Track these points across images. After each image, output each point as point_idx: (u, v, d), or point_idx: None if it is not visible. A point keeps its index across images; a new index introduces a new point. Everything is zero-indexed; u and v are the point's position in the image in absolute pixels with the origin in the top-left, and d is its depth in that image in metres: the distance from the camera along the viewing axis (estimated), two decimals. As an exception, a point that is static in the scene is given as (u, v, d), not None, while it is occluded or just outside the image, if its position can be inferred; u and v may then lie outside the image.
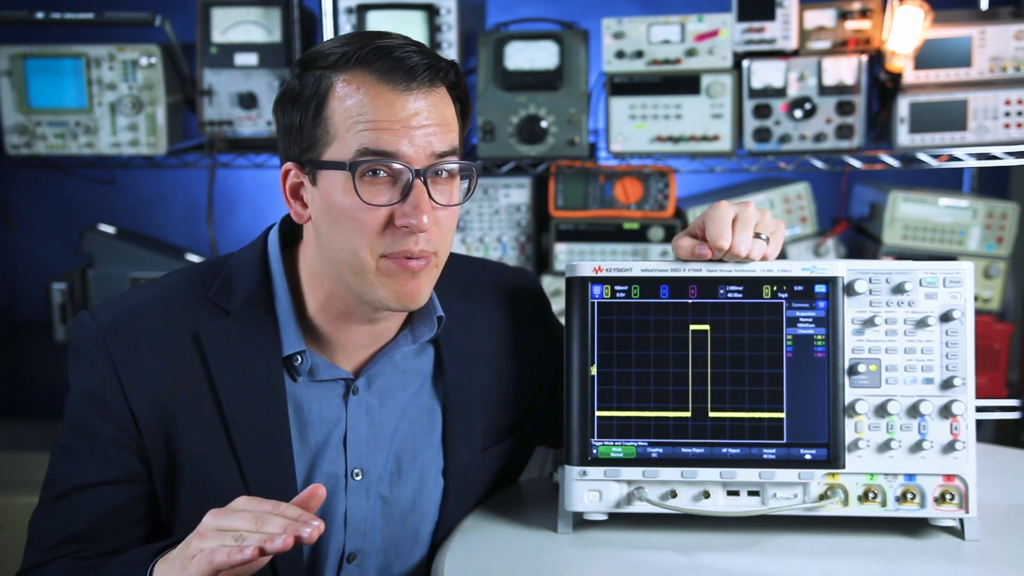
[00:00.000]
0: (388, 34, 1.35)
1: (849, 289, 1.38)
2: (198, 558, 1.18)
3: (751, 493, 1.39)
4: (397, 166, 1.30)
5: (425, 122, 1.31)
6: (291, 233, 1.46)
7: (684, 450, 1.38)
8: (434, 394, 1.49)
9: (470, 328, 1.51)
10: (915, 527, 1.41)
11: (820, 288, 1.38)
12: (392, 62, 1.30)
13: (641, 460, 1.38)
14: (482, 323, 1.52)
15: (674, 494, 1.39)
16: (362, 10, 2.81)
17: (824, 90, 2.73)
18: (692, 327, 1.39)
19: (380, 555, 1.46)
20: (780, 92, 2.75)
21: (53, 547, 1.38)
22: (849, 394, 1.38)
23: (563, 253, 2.86)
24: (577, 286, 1.40)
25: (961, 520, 1.39)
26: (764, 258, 1.38)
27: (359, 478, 1.43)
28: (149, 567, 1.26)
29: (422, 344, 1.48)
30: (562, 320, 1.49)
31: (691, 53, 2.73)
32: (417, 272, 1.33)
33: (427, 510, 1.48)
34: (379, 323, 1.43)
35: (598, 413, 1.39)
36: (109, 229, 3.06)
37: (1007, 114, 2.69)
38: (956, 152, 2.74)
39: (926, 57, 2.70)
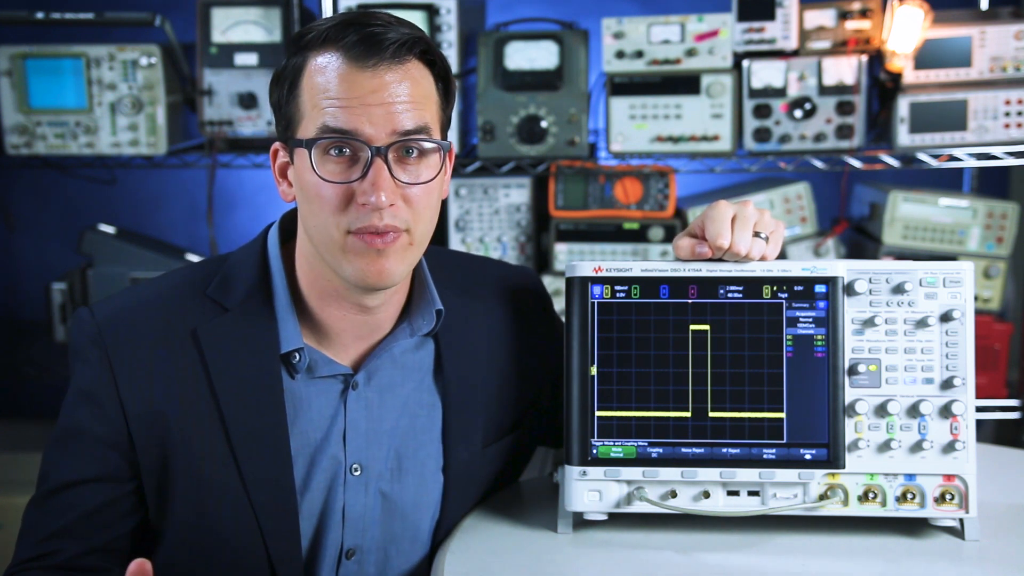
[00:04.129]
0: (373, 13, 1.34)
1: (849, 289, 1.38)
2: None
3: (751, 493, 1.39)
4: (356, 143, 1.30)
5: (388, 99, 1.29)
6: (291, 229, 1.46)
7: (684, 450, 1.38)
8: (435, 390, 1.48)
9: (470, 325, 1.50)
10: (915, 527, 1.41)
11: (820, 288, 1.38)
12: (358, 37, 1.29)
13: (641, 460, 1.38)
14: (482, 320, 1.52)
15: (674, 494, 1.39)
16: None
17: (824, 90, 2.73)
18: (692, 327, 1.39)
19: (379, 551, 1.46)
20: (780, 92, 2.74)
21: (40, 542, 1.38)
22: (849, 394, 1.38)
23: (563, 253, 2.86)
24: (577, 286, 1.40)
25: (961, 520, 1.38)
26: (763, 257, 1.38)
27: (358, 473, 1.43)
28: None
29: (421, 339, 1.48)
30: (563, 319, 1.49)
31: (691, 53, 2.73)
32: (384, 250, 1.32)
33: (427, 506, 1.47)
34: (372, 312, 1.42)
35: (598, 413, 1.39)
36: (109, 229, 3.06)
37: (1007, 114, 2.69)
38: (956, 152, 2.73)
39: (926, 57, 2.70)
